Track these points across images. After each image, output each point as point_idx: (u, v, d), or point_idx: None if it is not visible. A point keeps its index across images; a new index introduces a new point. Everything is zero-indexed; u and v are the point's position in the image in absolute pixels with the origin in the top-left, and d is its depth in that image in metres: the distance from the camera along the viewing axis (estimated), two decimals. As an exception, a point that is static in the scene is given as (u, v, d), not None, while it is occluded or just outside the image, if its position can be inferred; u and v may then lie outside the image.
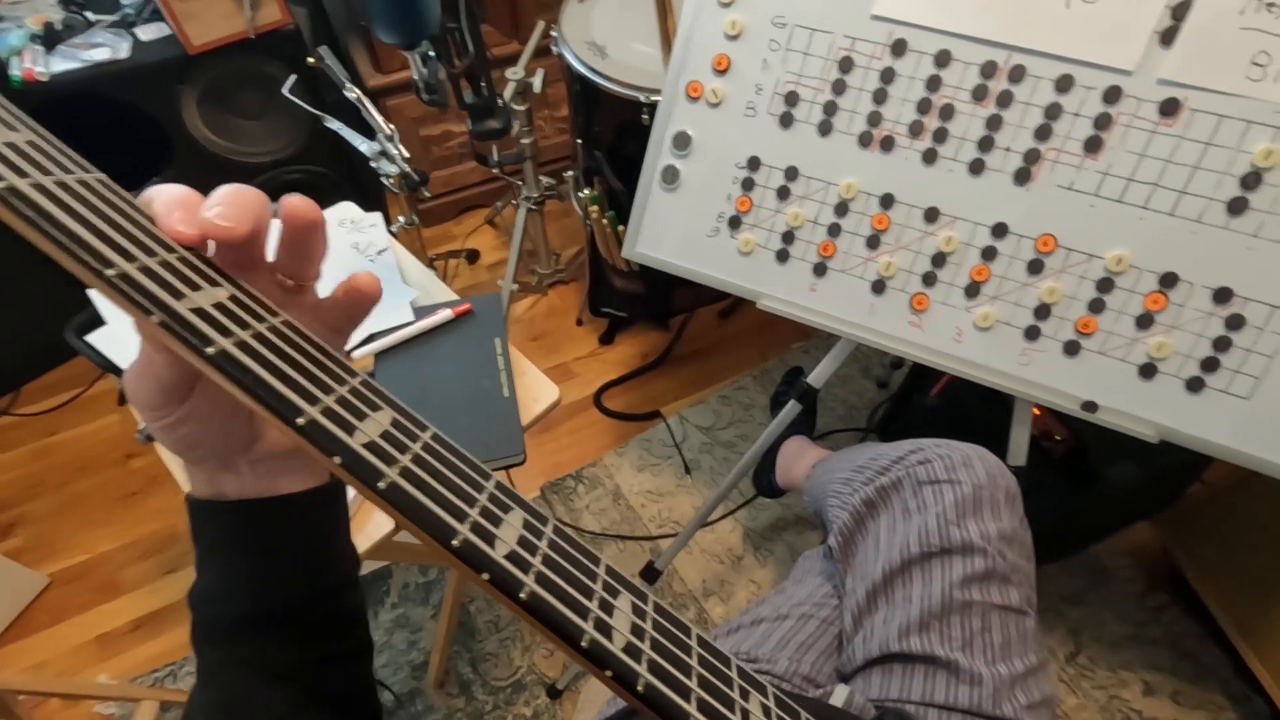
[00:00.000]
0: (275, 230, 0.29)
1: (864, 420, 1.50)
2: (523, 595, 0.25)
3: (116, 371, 0.71)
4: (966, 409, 1.15)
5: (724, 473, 1.43)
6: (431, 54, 0.99)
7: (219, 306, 0.25)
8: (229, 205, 0.26)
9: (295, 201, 0.28)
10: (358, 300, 0.32)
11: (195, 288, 0.25)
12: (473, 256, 1.77)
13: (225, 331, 0.24)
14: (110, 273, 0.23)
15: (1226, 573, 1.15)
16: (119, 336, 0.72)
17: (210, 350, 0.23)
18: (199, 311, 0.24)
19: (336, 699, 0.36)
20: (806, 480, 0.94)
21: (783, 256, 0.83)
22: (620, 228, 1.27)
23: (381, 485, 0.24)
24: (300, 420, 0.24)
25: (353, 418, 0.25)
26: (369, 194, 1.66)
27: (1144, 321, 0.69)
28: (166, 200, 0.26)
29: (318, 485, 0.35)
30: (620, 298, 1.53)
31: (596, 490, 1.41)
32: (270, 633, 0.34)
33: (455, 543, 0.24)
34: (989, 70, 0.69)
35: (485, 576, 0.25)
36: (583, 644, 0.25)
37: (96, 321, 0.74)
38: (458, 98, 1.12)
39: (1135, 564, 1.31)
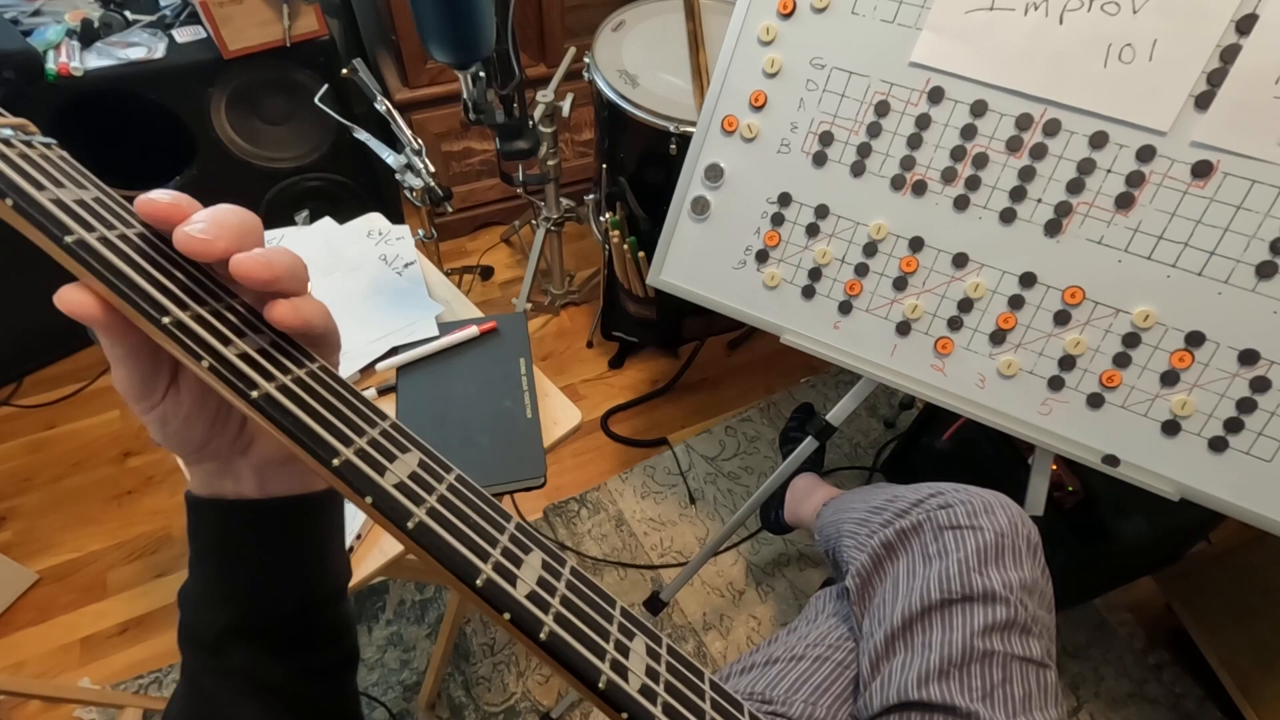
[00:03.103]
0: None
1: (869, 459, 1.50)
2: (542, 635, 0.25)
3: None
4: (978, 456, 1.15)
5: (728, 504, 1.43)
6: (481, 75, 1.00)
7: (261, 352, 0.26)
8: (210, 222, 0.26)
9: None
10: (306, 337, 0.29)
11: (241, 334, 0.26)
12: (486, 273, 1.77)
13: (268, 376, 0.25)
14: (166, 320, 0.24)
15: (1231, 633, 1.14)
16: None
17: (255, 394, 0.25)
18: (244, 357, 0.25)
19: (318, 712, 0.36)
20: (818, 519, 0.94)
21: (808, 293, 0.83)
22: (641, 254, 1.27)
23: (410, 525, 0.25)
24: (336, 461, 0.25)
25: (384, 459, 0.26)
26: (387, 205, 1.67)
27: (1169, 378, 0.70)
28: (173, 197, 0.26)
29: (314, 491, 0.35)
30: (632, 323, 1.54)
31: (599, 515, 1.40)
32: (254, 644, 0.34)
33: (479, 582, 0.25)
34: (1024, 122, 0.70)
35: (506, 616, 0.25)
36: (600, 685, 0.25)
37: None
38: (503, 117, 1.14)
39: (1136, 619, 1.30)
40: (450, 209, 1.21)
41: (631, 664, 0.27)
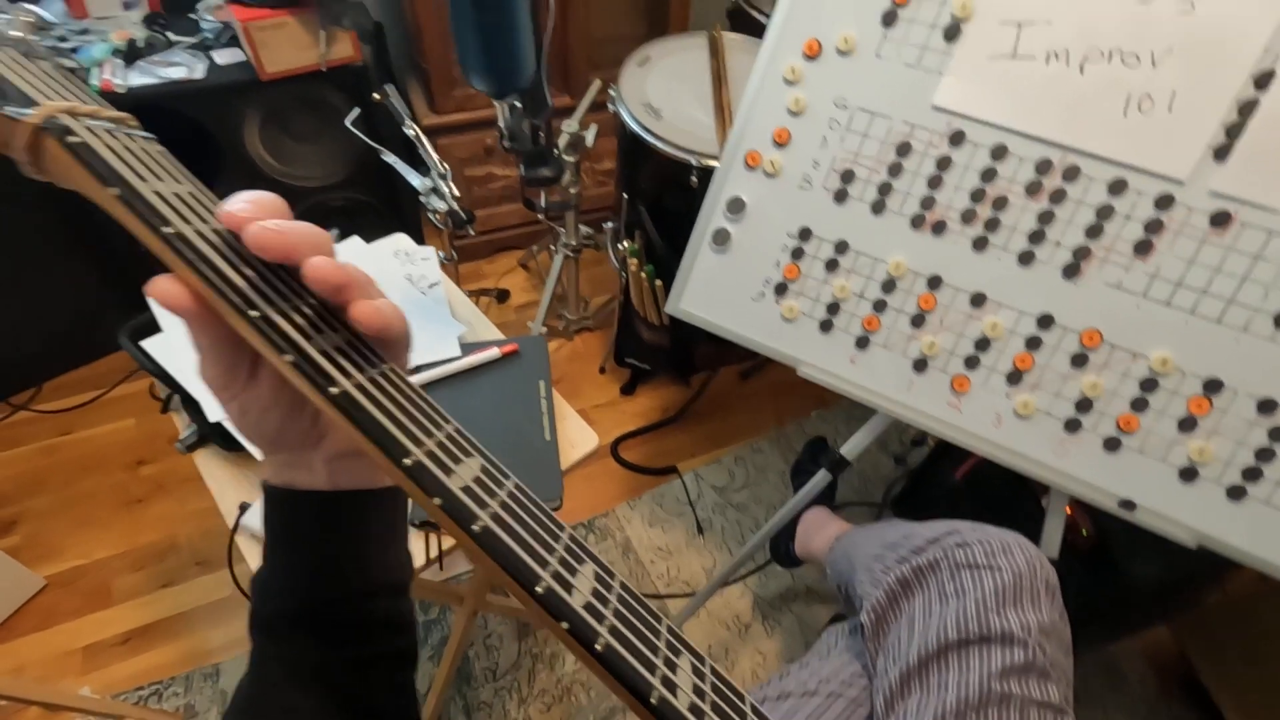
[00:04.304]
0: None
1: (879, 495, 1.49)
2: (598, 646, 0.25)
3: (167, 379, 0.71)
4: (991, 495, 1.15)
5: (736, 535, 1.42)
6: (517, 104, 1.03)
7: (339, 350, 0.27)
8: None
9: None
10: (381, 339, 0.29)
11: (319, 331, 0.26)
12: (503, 296, 1.79)
13: (346, 373, 0.26)
14: (254, 314, 0.25)
15: (1246, 683, 1.12)
16: (173, 344, 0.73)
17: (334, 390, 0.25)
18: (324, 353, 0.26)
19: (370, 707, 0.36)
20: (830, 553, 0.93)
21: (826, 326, 0.84)
22: (658, 282, 1.29)
23: (476, 528, 0.25)
24: (407, 461, 0.25)
25: (450, 462, 0.26)
26: (409, 226, 1.70)
27: (1186, 424, 0.70)
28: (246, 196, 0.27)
29: (379, 487, 0.35)
30: (646, 350, 1.55)
31: (606, 541, 1.39)
32: (316, 633, 0.34)
33: (539, 589, 0.25)
34: (1044, 167, 0.71)
35: (565, 626, 0.25)
36: (652, 700, 0.25)
37: (152, 327, 0.75)
38: (544, 152, 1.17)
39: (1149, 666, 1.28)
40: (472, 232, 1.23)
41: (680, 680, 0.27)
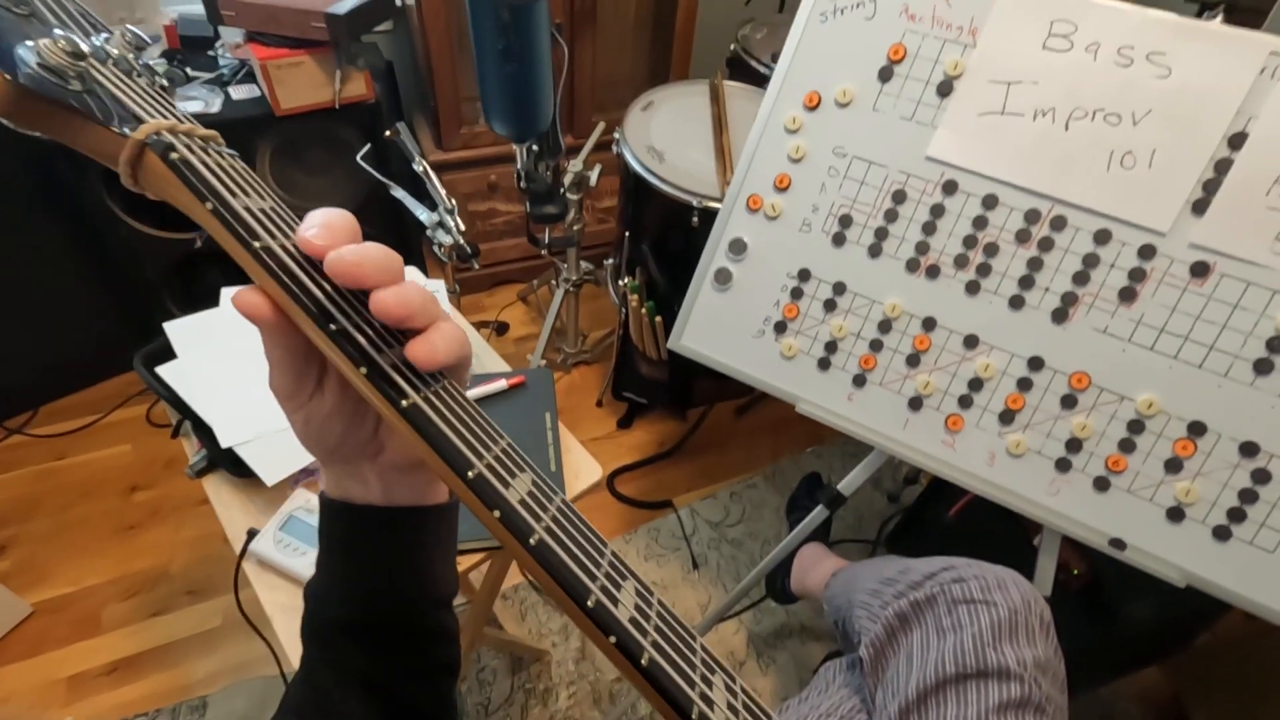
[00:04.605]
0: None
1: (873, 532, 1.50)
2: (644, 661, 0.26)
3: (179, 405, 0.73)
4: (984, 533, 1.16)
5: (731, 570, 1.42)
6: (535, 148, 1.07)
7: (407, 364, 0.28)
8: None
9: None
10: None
11: (388, 345, 0.28)
12: (502, 329, 1.82)
13: (415, 388, 0.27)
14: (332, 328, 0.26)
15: (1238, 728, 1.13)
16: (189, 370, 0.74)
17: (405, 403, 0.26)
18: (395, 367, 0.27)
19: (415, 715, 0.37)
20: (826, 589, 0.94)
21: (824, 364, 0.86)
22: (658, 318, 1.31)
23: (532, 541, 0.26)
24: (470, 474, 0.26)
25: (508, 475, 0.27)
26: (412, 258, 1.73)
27: (1173, 466, 0.72)
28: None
29: (432, 504, 0.37)
30: (644, 384, 1.57)
31: (601, 575, 1.39)
32: (365, 641, 0.36)
33: (590, 603, 0.26)
34: (1032, 217, 0.75)
35: (612, 640, 0.26)
36: (693, 716, 0.26)
37: (166, 353, 0.76)
38: (550, 190, 1.21)
39: (1144, 709, 1.28)
40: (476, 265, 1.26)
41: (716, 697, 0.28)
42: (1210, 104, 0.67)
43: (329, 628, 0.36)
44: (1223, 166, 0.67)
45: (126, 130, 0.27)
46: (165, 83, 0.32)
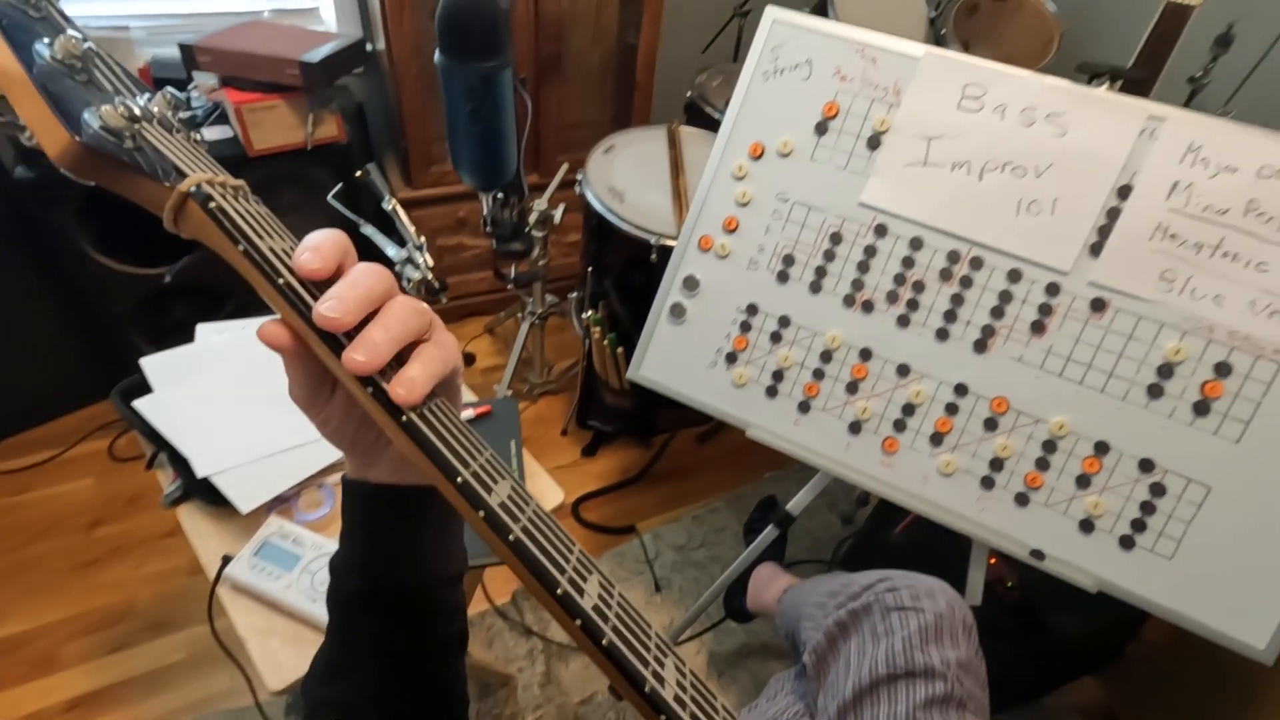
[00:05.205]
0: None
1: (829, 553, 1.56)
2: (604, 642, 0.31)
3: (155, 438, 0.76)
4: (927, 550, 1.22)
5: (694, 593, 1.46)
6: (500, 195, 1.13)
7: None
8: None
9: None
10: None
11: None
12: (468, 360, 1.86)
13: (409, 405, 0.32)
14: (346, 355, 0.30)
15: (1168, 733, 1.20)
16: (165, 403, 0.77)
17: (403, 419, 0.31)
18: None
19: (425, 683, 0.42)
20: (779, 604, 0.99)
21: (772, 392, 0.93)
22: (620, 350, 1.37)
23: (511, 538, 0.31)
24: (459, 480, 0.31)
25: (490, 482, 0.32)
26: (381, 292, 1.76)
27: (1082, 481, 0.80)
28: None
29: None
30: (608, 413, 1.62)
31: (567, 600, 1.42)
32: (381, 611, 0.40)
33: (559, 591, 0.31)
34: (954, 257, 0.83)
35: (578, 623, 0.31)
36: (646, 689, 0.31)
37: (141, 388, 0.79)
38: (515, 228, 1.27)
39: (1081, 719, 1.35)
40: (444, 300, 1.30)
41: (666, 675, 0.33)
42: (1101, 159, 0.76)
43: (350, 598, 0.40)
44: (1113, 214, 0.76)
45: (170, 182, 0.31)
46: (199, 137, 0.37)
